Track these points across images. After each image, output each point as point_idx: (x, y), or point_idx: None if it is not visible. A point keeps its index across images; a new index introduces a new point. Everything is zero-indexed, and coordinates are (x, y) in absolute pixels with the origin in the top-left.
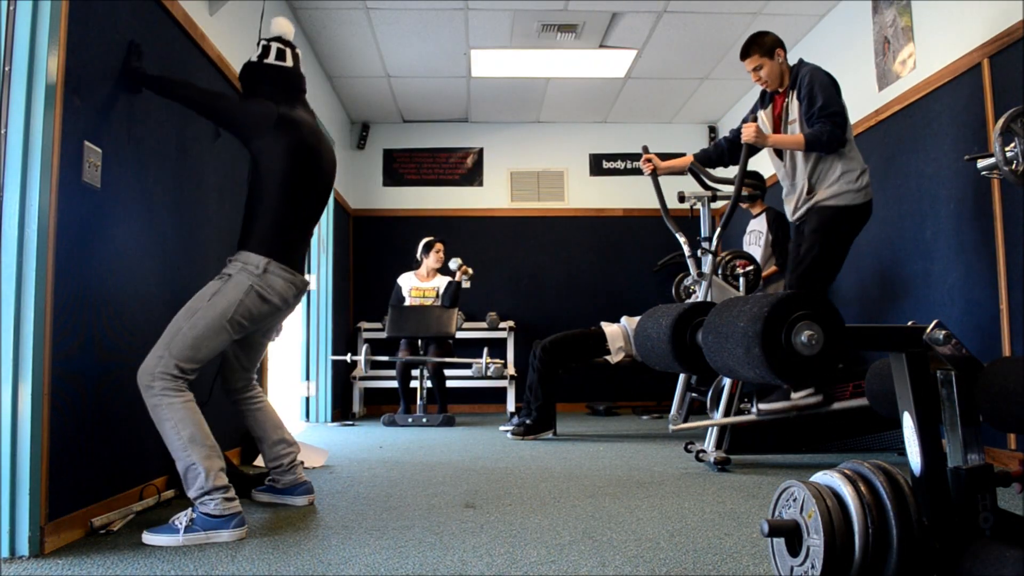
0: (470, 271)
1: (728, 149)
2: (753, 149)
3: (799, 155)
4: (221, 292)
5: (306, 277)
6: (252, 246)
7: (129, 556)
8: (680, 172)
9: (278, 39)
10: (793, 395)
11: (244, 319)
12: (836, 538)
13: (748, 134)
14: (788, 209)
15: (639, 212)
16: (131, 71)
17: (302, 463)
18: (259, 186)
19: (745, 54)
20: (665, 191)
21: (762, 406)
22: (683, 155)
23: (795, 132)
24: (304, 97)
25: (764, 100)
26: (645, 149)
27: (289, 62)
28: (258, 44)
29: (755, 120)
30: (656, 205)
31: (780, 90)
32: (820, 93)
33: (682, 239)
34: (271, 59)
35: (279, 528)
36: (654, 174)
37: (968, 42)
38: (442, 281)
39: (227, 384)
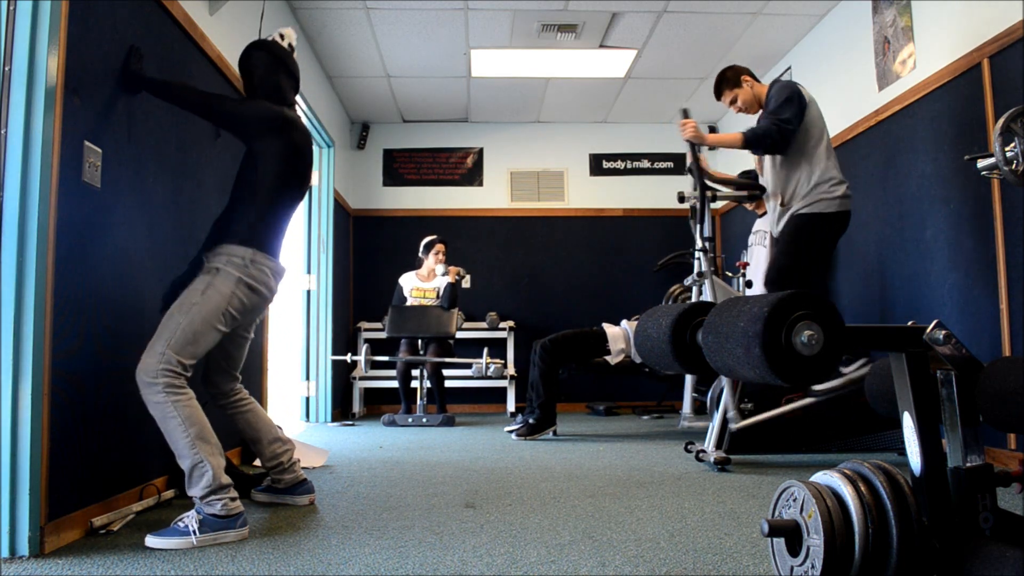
0: (460, 271)
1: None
2: (697, 148)
3: (768, 168)
4: (213, 286)
5: (282, 263)
6: (235, 239)
7: (129, 556)
8: (722, 146)
9: (290, 45)
10: (844, 370)
11: (236, 311)
12: (836, 538)
13: (687, 132)
14: (771, 220)
15: (639, 212)
16: (131, 75)
17: (299, 460)
18: (252, 182)
19: (718, 94)
20: (673, 186)
21: (817, 387)
22: (683, 157)
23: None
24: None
25: None
26: (685, 113)
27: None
28: (281, 36)
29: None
30: (656, 205)
31: (762, 111)
32: (774, 100)
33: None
34: (294, 57)
35: (279, 528)
36: (693, 145)
37: (968, 42)
38: (443, 281)
39: (214, 388)
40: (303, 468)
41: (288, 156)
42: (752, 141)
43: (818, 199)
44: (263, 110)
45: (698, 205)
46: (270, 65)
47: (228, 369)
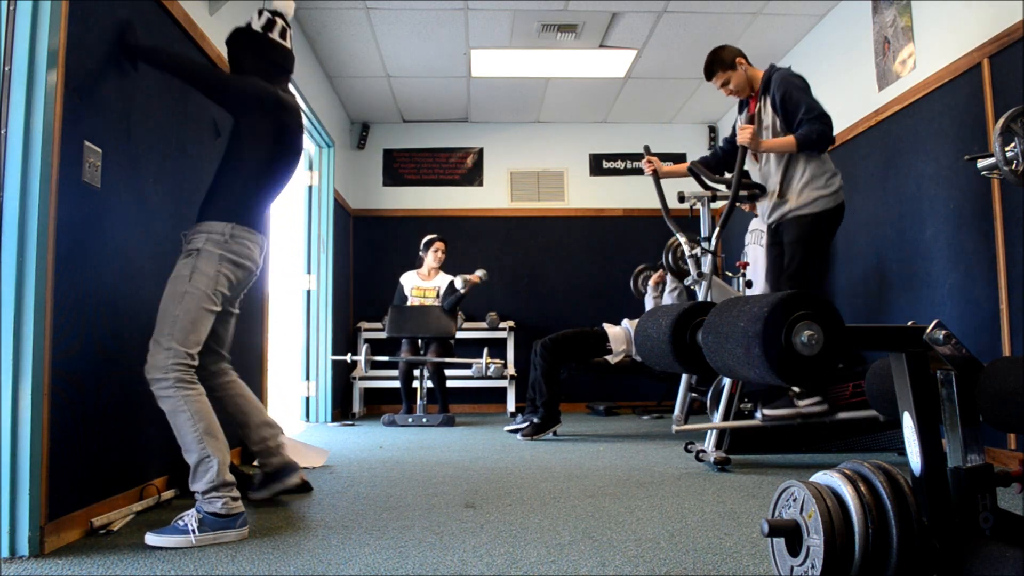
0: (479, 278)
1: (723, 157)
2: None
3: (772, 159)
4: (198, 269)
5: (265, 237)
6: (214, 214)
7: (129, 556)
8: (681, 175)
9: (281, 16)
10: (798, 403)
11: (225, 289)
12: (836, 538)
13: (744, 137)
14: (761, 209)
15: (639, 212)
16: (126, 47)
17: (284, 444)
18: (238, 159)
19: (709, 74)
20: (674, 186)
21: (767, 412)
22: (683, 156)
23: (767, 138)
24: (289, 78)
25: (740, 108)
26: (647, 149)
27: (288, 43)
28: (260, 13)
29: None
30: (656, 205)
31: (752, 95)
32: (802, 98)
33: (683, 239)
34: (275, 35)
35: (279, 528)
36: (655, 175)
37: (968, 42)
38: (443, 280)
39: (200, 369)
40: (303, 468)
41: (276, 137)
42: (807, 144)
43: (817, 196)
44: (257, 87)
45: (725, 206)
46: (248, 56)
47: (215, 348)
